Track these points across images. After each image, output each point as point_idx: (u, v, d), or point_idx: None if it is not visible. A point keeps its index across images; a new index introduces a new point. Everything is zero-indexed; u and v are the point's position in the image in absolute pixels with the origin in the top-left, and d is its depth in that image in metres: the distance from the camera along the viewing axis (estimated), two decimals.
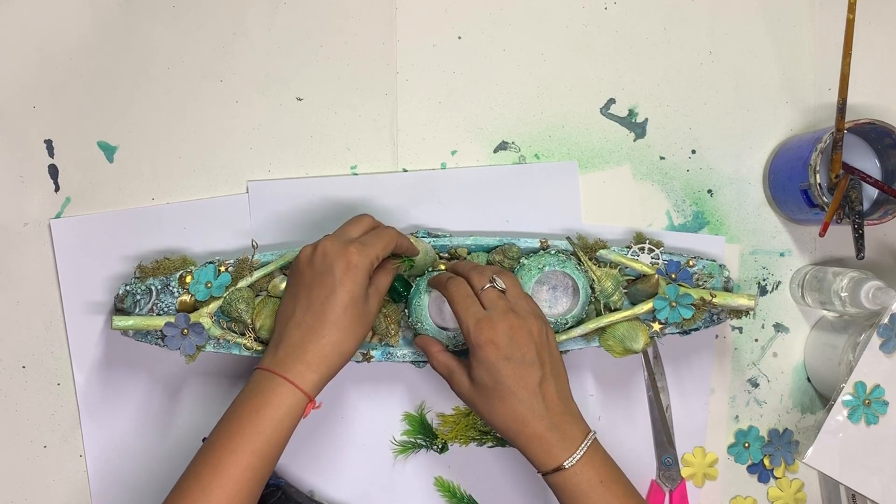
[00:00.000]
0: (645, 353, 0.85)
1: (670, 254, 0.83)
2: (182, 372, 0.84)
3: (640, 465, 0.86)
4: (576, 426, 0.72)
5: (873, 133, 0.82)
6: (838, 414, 0.79)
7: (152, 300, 0.78)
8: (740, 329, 0.89)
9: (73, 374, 0.83)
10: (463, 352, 0.79)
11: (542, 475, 0.71)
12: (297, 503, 0.79)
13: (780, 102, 0.89)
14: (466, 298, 0.73)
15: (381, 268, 0.76)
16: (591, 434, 0.72)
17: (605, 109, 0.87)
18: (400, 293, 0.80)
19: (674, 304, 0.79)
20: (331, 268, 0.71)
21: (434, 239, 0.81)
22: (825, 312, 0.88)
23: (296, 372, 0.70)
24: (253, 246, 0.82)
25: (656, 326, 0.81)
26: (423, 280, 0.79)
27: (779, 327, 0.89)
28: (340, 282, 0.70)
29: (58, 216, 0.84)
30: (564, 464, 0.70)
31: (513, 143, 0.87)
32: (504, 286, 0.75)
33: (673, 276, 0.81)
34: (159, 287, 0.79)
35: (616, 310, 0.81)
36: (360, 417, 0.85)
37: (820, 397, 0.89)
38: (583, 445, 0.70)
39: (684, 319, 0.80)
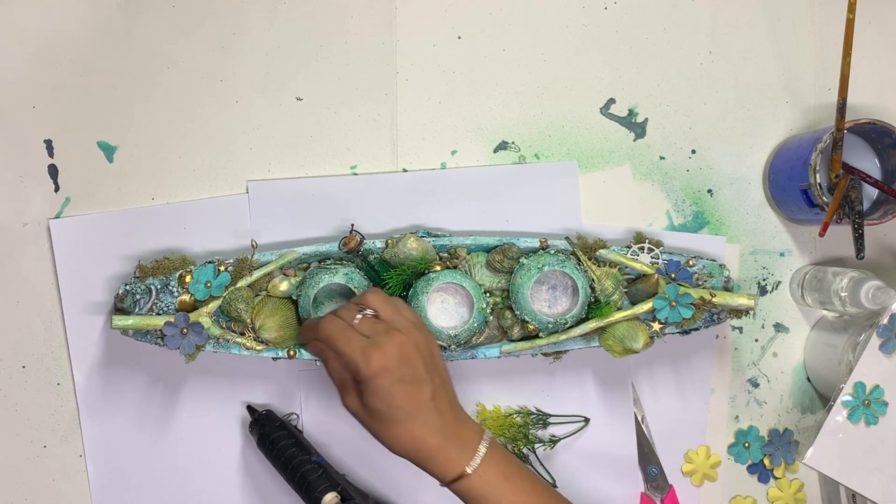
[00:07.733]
0: None
1: (670, 253, 0.83)
2: (182, 372, 0.84)
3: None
4: (470, 430, 0.69)
5: (873, 133, 0.82)
6: (838, 414, 0.79)
7: (152, 300, 0.78)
8: (740, 329, 0.89)
9: (73, 373, 0.83)
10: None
11: (448, 486, 0.69)
12: (336, 483, 0.79)
13: (780, 102, 0.88)
14: (345, 331, 0.69)
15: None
16: (487, 434, 0.70)
17: (604, 109, 0.87)
18: (399, 294, 0.80)
19: (674, 303, 0.79)
20: None
21: (434, 239, 0.81)
22: (825, 312, 0.88)
23: None
24: (253, 246, 0.82)
25: (656, 326, 0.81)
26: (421, 281, 0.79)
27: (779, 327, 0.89)
28: None
29: (57, 216, 0.84)
30: (467, 469, 0.68)
31: (513, 143, 0.87)
32: (376, 309, 0.71)
33: (673, 275, 0.81)
34: (159, 287, 0.79)
35: (616, 309, 0.81)
36: None
37: (820, 397, 0.89)
38: (481, 447, 0.68)
39: (684, 319, 0.80)
